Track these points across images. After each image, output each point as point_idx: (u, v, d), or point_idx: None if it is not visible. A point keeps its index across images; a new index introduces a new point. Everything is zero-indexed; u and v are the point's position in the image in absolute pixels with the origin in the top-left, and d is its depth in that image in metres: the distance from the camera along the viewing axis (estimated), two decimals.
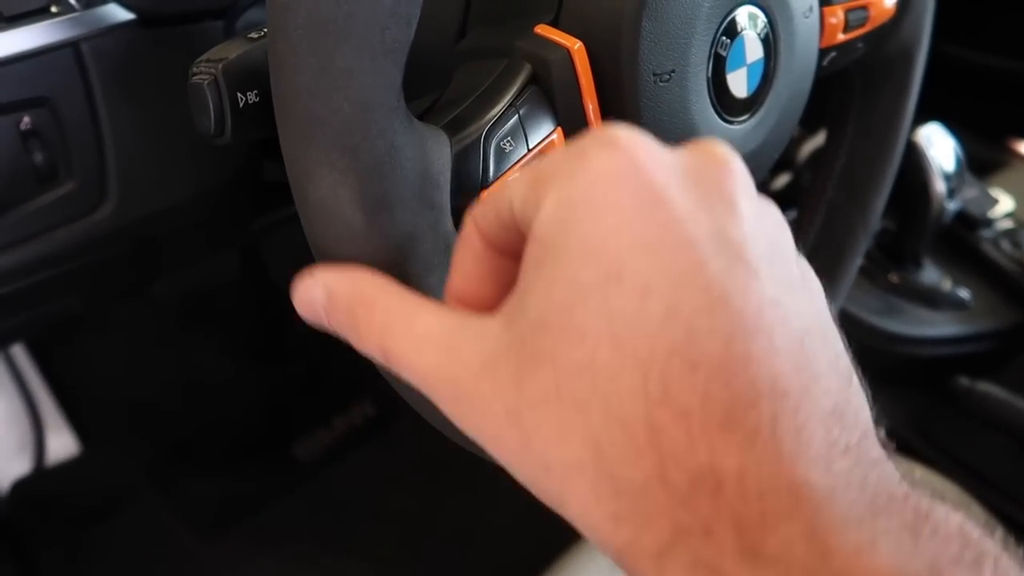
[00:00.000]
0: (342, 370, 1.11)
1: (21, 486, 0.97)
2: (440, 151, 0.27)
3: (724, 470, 0.19)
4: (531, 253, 0.22)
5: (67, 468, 1.00)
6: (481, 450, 0.23)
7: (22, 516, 0.95)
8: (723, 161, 0.23)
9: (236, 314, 1.12)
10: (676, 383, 0.20)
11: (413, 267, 0.27)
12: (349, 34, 0.23)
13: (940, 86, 0.64)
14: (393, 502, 0.98)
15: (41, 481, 0.99)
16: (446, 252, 0.28)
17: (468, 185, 0.29)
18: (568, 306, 0.21)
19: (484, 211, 0.24)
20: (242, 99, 0.30)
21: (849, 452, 0.20)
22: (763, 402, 0.20)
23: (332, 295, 0.26)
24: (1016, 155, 0.98)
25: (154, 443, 1.03)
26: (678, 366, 0.20)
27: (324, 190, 0.25)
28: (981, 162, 0.86)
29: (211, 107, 0.30)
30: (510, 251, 0.25)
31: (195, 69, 0.30)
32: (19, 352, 1.04)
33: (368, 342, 0.25)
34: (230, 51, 0.30)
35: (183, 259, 0.57)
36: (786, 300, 0.21)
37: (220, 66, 0.29)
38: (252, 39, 0.31)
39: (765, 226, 0.23)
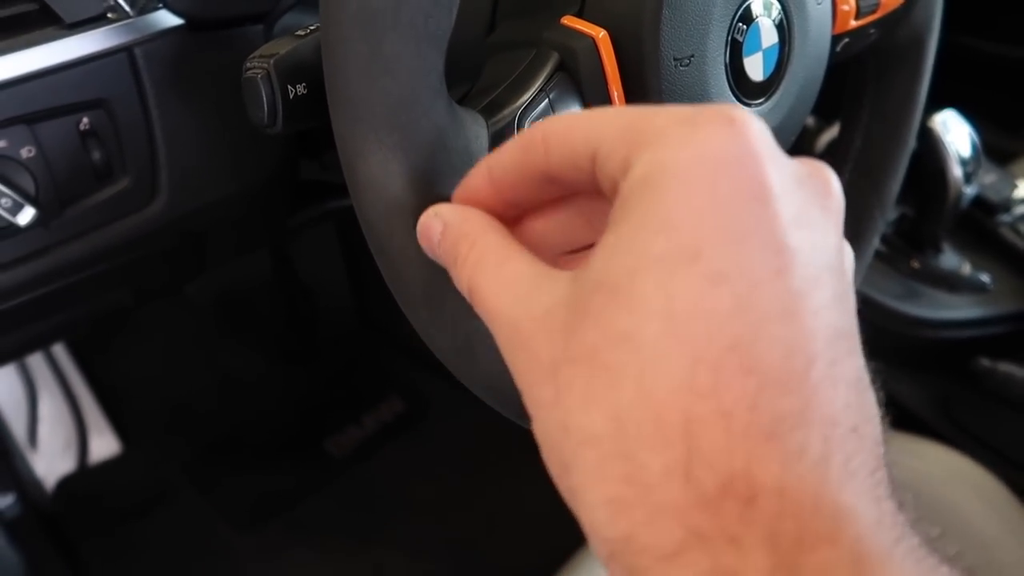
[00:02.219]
0: (372, 369, 1.13)
1: (66, 483, 1.01)
2: (479, 132, 0.29)
3: (761, 481, 0.19)
4: (613, 214, 0.22)
5: (109, 466, 1.03)
6: (522, 415, 0.24)
7: (68, 512, 0.98)
8: (831, 185, 0.23)
9: (268, 316, 1.15)
10: (727, 380, 0.19)
11: None
12: (397, 22, 0.26)
13: (957, 77, 0.65)
14: (423, 495, 1.00)
15: (85, 478, 1.02)
16: None
17: None
18: (629, 271, 0.20)
19: (558, 144, 0.24)
20: (292, 91, 0.32)
21: (889, 498, 0.20)
22: (815, 425, 0.19)
23: (446, 226, 0.26)
24: None
25: (191, 441, 1.05)
26: (734, 364, 0.19)
27: (374, 166, 0.27)
28: (999, 152, 0.87)
29: (264, 99, 0.32)
30: (562, 182, 0.25)
31: (248, 64, 0.33)
32: (63, 356, 1.07)
33: (461, 275, 0.25)
34: (280, 48, 0.32)
35: (225, 254, 0.59)
36: (853, 339, 0.21)
37: (272, 61, 0.32)
38: (299, 36, 0.33)
39: (845, 262, 0.23)
